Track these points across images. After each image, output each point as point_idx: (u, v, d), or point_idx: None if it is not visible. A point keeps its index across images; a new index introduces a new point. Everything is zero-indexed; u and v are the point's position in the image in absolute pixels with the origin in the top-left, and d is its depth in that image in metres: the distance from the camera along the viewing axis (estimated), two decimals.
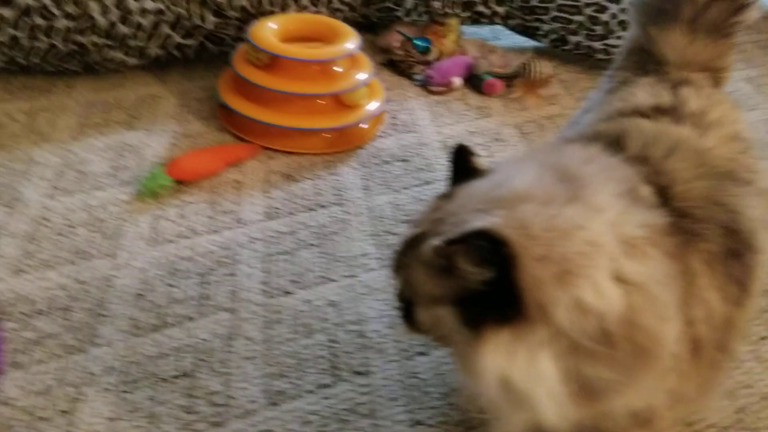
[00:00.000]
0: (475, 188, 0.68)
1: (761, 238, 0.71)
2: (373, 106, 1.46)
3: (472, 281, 0.60)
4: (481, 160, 0.74)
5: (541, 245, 0.59)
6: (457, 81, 1.69)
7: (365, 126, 1.47)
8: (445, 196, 0.71)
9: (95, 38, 1.43)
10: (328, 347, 0.99)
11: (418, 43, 1.73)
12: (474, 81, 1.71)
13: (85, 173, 1.26)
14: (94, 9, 1.39)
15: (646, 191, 0.67)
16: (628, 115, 0.81)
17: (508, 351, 0.60)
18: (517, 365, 0.61)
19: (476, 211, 0.63)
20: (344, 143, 1.43)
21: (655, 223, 0.63)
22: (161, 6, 1.44)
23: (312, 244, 1.17)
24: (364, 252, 1.17)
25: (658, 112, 0.81)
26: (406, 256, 0.68)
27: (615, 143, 0.73)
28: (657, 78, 0.87)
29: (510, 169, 0.71)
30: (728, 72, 0.93)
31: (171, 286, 1.05)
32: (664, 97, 0.83)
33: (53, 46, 1.41)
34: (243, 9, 1.52)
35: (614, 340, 0.59)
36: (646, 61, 0.91)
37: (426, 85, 1.68)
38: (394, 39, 1.76)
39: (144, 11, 1.43)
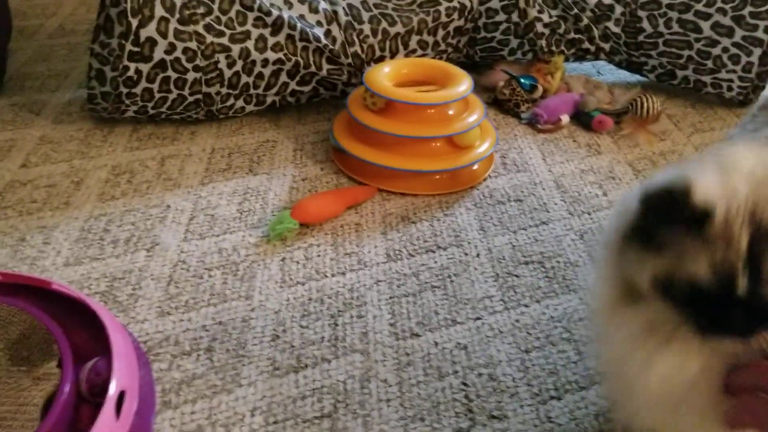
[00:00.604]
0: None
1: None
2: (485, 146, 1.48)
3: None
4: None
5: None
6: (566, 118, 1.68)
7: (476, 167, 1.48)
8: None
9: (220, 88, 1.51)
10: (461, 390, 0.99)
11: (524, 81, 1.74)
12: (582, 118, 1.69)
13: (215, 217, 1.32)
14: (221, 61, 1.47)
15: None
16: None
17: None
18: None
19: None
20: (457, 184, 1.44)
21: None
22: (281, 56, 1.51)
23: (435, 286, 1.18)
24: (487, 294, 1.17)
25: None
26: None
27: None
28: None
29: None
30: None
31: (304, 327, 1.08)
32: None
33: (182, 96, 1.51)
34: (356, 55, 1.58)
35: None
36: None
37: (533, 124, 1.68)
38: (499, 78, 1.78)
39: (266, 61, 1.51)
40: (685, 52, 1.73)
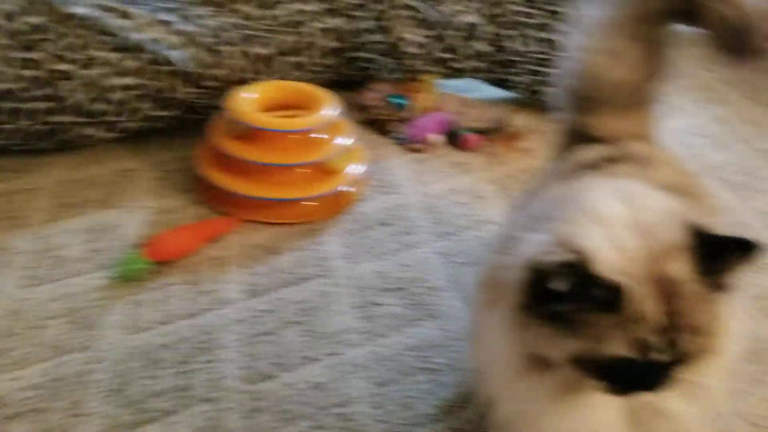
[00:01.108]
0: None
1: None
2: (354, 169, 1.46)
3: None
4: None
5: None
6: (435, 138, 1.69)
7: (346, 190, 1.45)
8: None
9: (67, 117, 1.42)
10: None
11: (394, 100, 1.73)
12: (452, 137, 1.71)
13: (60, 258, 1.23)
14: (65, 89, 1.38)
15: None
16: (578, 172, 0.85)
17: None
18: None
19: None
20: (327, 210, 1.41)
21: None
22: (134, 82, 1.44)
23: (295, 322, 1.14)
24: (348, 327, 1.14)
25: (605, 161, 0.85)
26: None
27: None
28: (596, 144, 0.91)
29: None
30: (653, 138, 0.96)
31: (149, 378, 1.02)
32: (610, 150, 0.87)
33: (26, 128, 1.40)
34: (218, 79, 1.52)
35: None
36: (577, 141, 0.93)
37: (405, 143, 1.68)
38: (371, 97, 1.77)
39: (115, 87, 1.43)
40: (549, 69, 1.78)
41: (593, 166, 0.85)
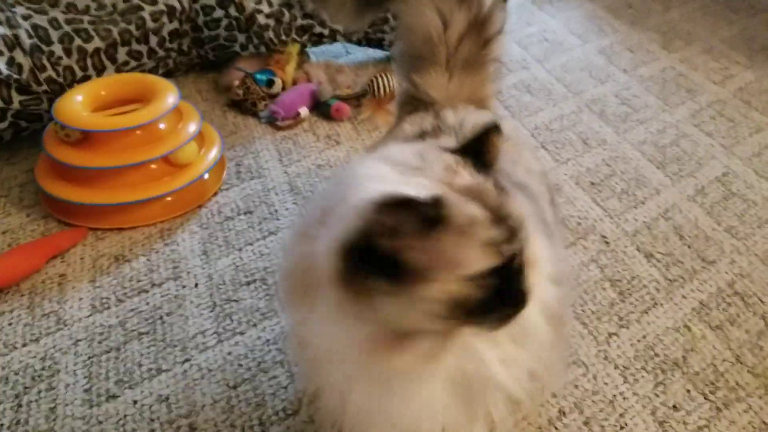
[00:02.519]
0: None
1: None
2: (209, 157, 1.39)
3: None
4: None
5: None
6: (304, 111, 1.62)
7: (206, 177, 1.38)
8: None
9: None
10: None
11: (260, 77, 1.66)
12: (321, 108, 1.64)
13: None
14: None
15: None
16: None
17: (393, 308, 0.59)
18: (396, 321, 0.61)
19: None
20: (185, 205, 1.35)
21: None
22: None
23: (142, 333, 1.09)
24: (201, 329, 1.09)
25: (421, 136, 0.82)
26: None
27: None
28: (424, 112, 0.88)
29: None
30: (491, 100, 0.96)
31: None
32: (426, 123, 0.85)
33: None
34: (51, 81, 1.42)
35: None
36: (417, 106, 0.91)
37: (273, 122, 1.61)
38: (234, 77, 1.68)
39: None
40: None
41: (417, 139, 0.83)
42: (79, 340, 1.07)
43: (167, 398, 0.99)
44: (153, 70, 1.61)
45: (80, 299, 1.15)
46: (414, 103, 0.92)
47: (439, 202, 0.55)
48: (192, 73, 1.79)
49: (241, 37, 1.67)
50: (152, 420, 0.96)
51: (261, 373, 1.02)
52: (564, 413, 0.95)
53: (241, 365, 1.04)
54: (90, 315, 1.12)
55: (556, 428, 0.93)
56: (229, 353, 1.05)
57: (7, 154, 1.48)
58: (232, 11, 1.62)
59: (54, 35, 1.42)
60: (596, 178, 1.43)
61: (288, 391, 0.99)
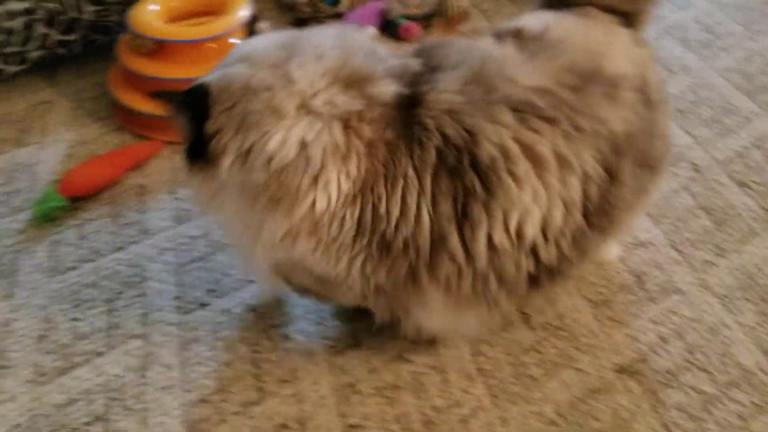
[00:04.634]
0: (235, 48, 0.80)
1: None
2: None
3: (184, 128, 0.76)
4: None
5: (232, 99, 0.71)
6: (372, 31, 1.56)
7: None
8: None
9: None
10: (251, 360, 0.92)
11: None
12: (389, 28, 1.59)
13: None
14: None
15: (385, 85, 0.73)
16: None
17: (203, 189, 0.77)
18: (210, 204, 0.79)
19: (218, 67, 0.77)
20: None
21: (352, 109, 0.71)
22: (29, 5, 1.30)
23: (226, 244, 1.08)
24: None
25: (508, 34, 0.81)
26: None
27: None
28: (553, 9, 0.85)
29: (263, 37, 0.82)
30: (643, 15, 0.88)
31: (75, 320, 0.97)
32: (525, 21, 0.83)
33: None
34: None
35: (262, 188, 0.71)
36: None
37: None
38: None
39: (11, 14, 1.29)
40: None
41: (496, 36, 0.82)
42: (165, 250, 1.07)
43: (255, 309, 0.98)
44: None
45: (161, 210, 1.14)
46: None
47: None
48: None
49: None
50: (245, 329, 0.96)
51: None
52: (665, 339, 0.93)
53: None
54: (173, 226, 1.11)
55: (657, 354, 0.91)
56: None
57: (78, 67, 1.46)
58: None
59: None
60: (682, 105, 1.37)
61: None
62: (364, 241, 0.74)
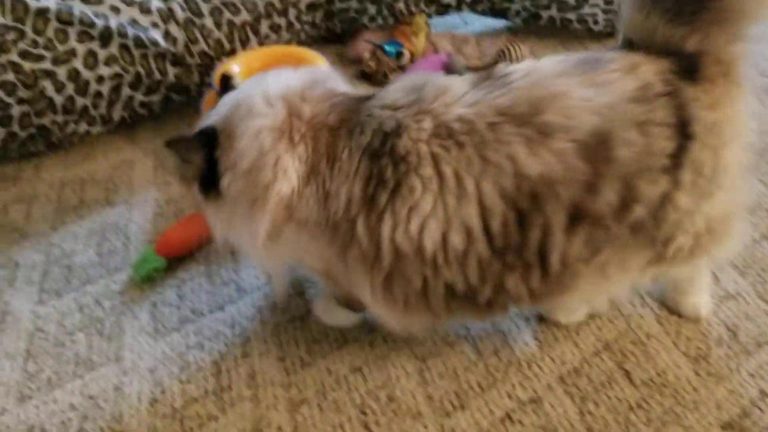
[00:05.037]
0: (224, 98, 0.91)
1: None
2: None
3: (195, 166, 0.87)
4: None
5: (228, 128, 0.84)
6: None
7: None
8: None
9: (54, 116, 1.35)
10: (360, 418, 0.93)
11: (389, 48, 1.65)
12: None
13: (71, 267, 1.19)
14: (48, 88, 1.31)
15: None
16: None
17: (219, 217, 0.88)
18: (226, 230, 0.89)
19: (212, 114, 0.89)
20: None
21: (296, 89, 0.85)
22: (118, 69, 1.36)
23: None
24: None
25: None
26: None
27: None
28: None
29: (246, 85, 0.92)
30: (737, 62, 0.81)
31: (184, 382, 0.99)
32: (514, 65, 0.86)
33: (12, 134, 1.34)
34: (203, 54, 1.44)
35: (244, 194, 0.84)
36: None
37: None
38: (363, 49, 1.68)
39: (100, 78, 1.35)
40: None
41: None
42: (262, 308, 1.10)
43: (360, 369, 1.00)
44: (287, 43, 1.61)
45: (254, 268, 1.17)
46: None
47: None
48: (315, 45, 1.79)
49: (372, 9, 1.66)
50: (351, 390, 0.98)
51: (447, 347, 1.03)
52: (765, 394, 0.94)
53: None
54: (267, 283, 1.14)
55: (760, 409, 0.92)
56: None
57: (157, 127, 1.52)
58: None
59: (205, 8, 1.44)
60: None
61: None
62: (329, 223, 0.82)
